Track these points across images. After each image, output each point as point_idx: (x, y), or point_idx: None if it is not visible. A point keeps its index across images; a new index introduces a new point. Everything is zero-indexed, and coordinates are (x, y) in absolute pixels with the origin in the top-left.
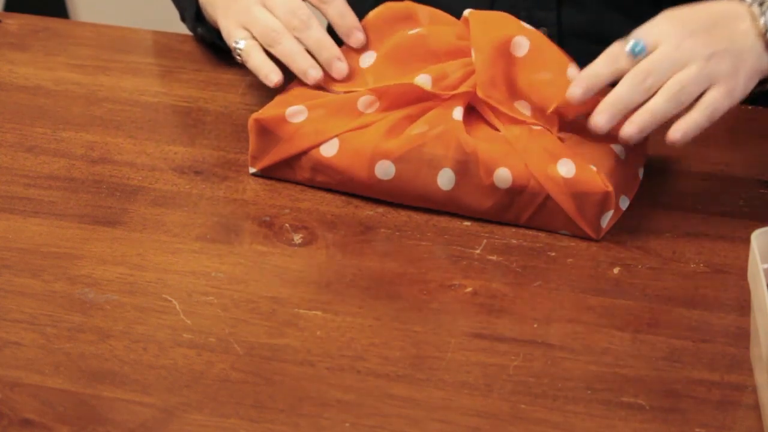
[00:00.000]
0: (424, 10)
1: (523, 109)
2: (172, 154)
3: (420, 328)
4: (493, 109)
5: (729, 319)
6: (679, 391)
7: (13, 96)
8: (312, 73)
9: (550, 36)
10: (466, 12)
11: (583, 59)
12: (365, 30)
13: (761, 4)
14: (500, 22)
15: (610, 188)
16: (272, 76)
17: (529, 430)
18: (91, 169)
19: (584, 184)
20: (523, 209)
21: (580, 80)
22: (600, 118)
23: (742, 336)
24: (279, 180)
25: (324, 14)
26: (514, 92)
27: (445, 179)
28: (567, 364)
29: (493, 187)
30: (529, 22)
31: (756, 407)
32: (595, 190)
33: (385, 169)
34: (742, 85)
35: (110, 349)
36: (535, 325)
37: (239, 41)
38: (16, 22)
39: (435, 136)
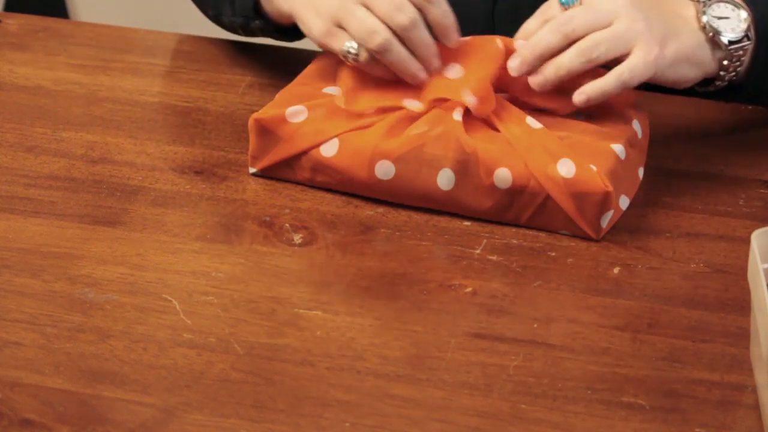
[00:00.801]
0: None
1: (534, 125)
2: (172, 154)
3: (420, 328)
4: (494, 110)
5: (729, 319)
6: (679, 391)
7: (13, 96)
8: (422, 75)
9: None
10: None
11: None
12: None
13: (704, 3)
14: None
15: (611, 188)
16: (420, 74)
17: (529, 430)
18: (91, 169)
19: (584, 184)
20: (523, 209)
21: (518, 52)
22: (513, 62)
23: (742, 336)
24: (279, 180)
25: (426, 13)
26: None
27: (445, 179)
28: (567, 364)
29: (493, 187)
30: None
31: (756, 407)
32: (596, 190)
33: (385, 169)
34: (669, 61)
35: (110, 349)
36: (535, 325)
37: (349, 43)
38: (16, 22)
39: (435, 136)
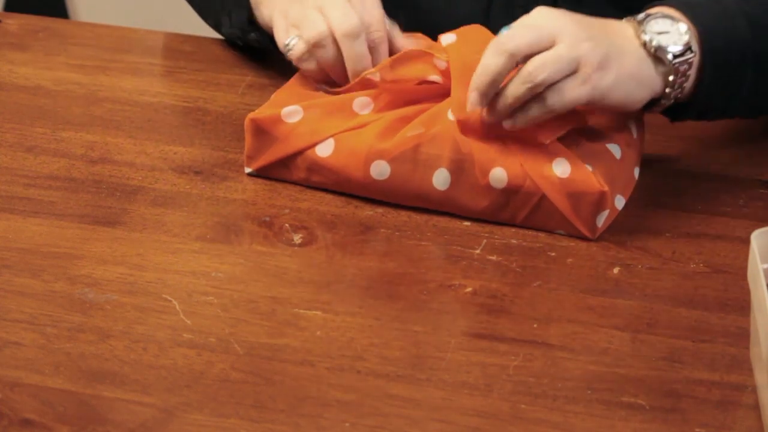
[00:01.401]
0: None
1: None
2: (172, 154)
3: (420, 328)
4: None
5: (729, 319)
6: (679, 391)
7: (13, 96)
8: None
9: None
10: (444, 39)
11: None
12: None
13: (642, 20)
14: (474, 38)
15: (606, 188)
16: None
17: (529, 430)
18: (91, 169)
19: (580, 183)
20: (518, 209)
21: (472, 87)
22: (471, 96)
23: (742, 336)
24: (279, 180)
25: (367, 34)
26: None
27: (441, 179)
28: (567, 364)
29: (489, 187)
30: None
31: (756, 407)
32: (591, 189)
33: (380, 170)
34: (611, 81)
35: (110, 349)
36: (535, 325)
37: (291, 39)
38: (16, 22)
39: (430, 136)
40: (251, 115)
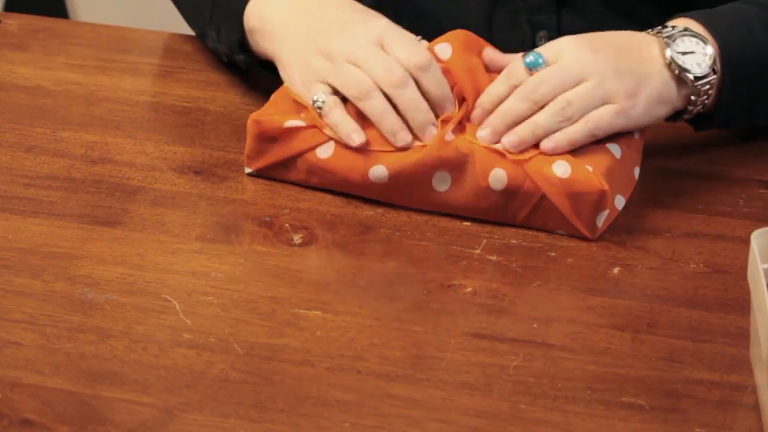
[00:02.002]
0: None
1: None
2: (172, 154)
3: (420, 328)
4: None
5: (729, 319)
6: (679, 391)
7: (13, 96)
8: (402, 135)
9: (550, 40)
10: (438, 51)
11: None
12: None
13: (669, 36)
14: (474, 63)
15: (606, 187)
16: (354, 135)
17: (529, 430)
18: (91, 169)
19: (580, 183)
20: (518, 209)
21: (479, 103)
22: (484, 132)
23: (742, 336)
24: (279, 180)
25: (419, 82)
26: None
27: (441, 181)
28: (567, 364)
29: (489, 189)
30: (529, 26)
31: (756, 407)
32: (591, 189)
33: (379, 173)
34: (642, 108)
35: (110, 349)
36: (535, 325)
37: (320, 95)
38: (16, 22)
39: (429, 148)
40: (254, 115)
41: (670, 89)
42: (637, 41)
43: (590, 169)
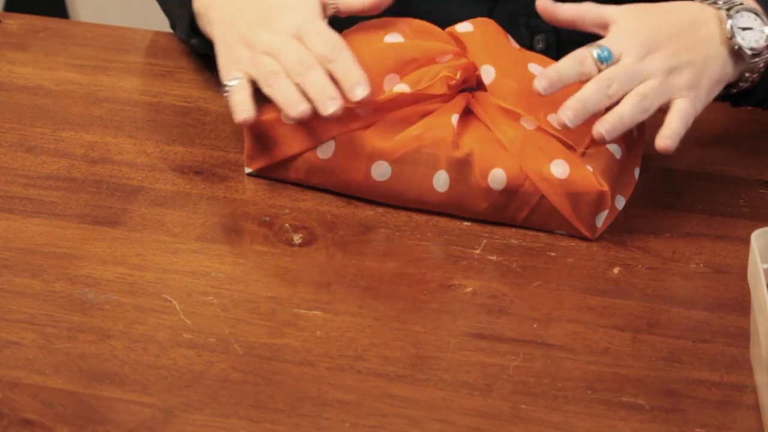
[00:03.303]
0: (407, 23)
1: (555, 123)
2: (172, 154)
3: (420, 328)
4: (489, 111)
5: (729, 319)
6: (679, 391)
7: (13, 96)
8: (299, 106)
9: (548, 43)
10: (459, 28)
11: None
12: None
13: (729, 9)
14: (496, 40)
15: (606, 188)
16: (244, 115)
17: (529, 430)
18: (91, 169)
19: (579, 184)
20: (518, 210)
21: (545, 74)
22: (568, 114)
23: (742, 336)
24: (279, 180)
25: (331, 72)
26: (542, 107)
27: (441, 181)
28: (567, 364)
29: (488, 189)
30: (527, 29)
31: (756, 407)
32: (590, 189)
33: (381, 171)
34: (705, 94)
35: (110, 349)
36: (535, 325)
37: (231, 81)
38: (16, 22)
39: (431, 138)
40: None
41: (727, 67)
42: (694, 19)
43: (590, 169)
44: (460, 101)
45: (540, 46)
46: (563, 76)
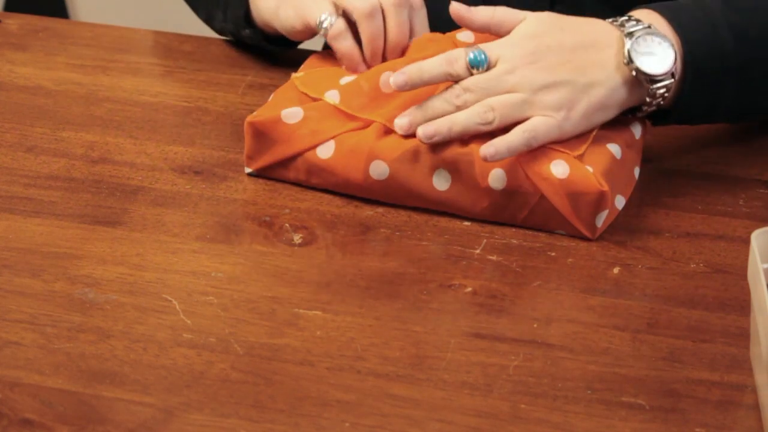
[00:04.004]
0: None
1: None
2: (172, 154)
3: (420, 328)
4: None
5: (729, 319)
6: (679, 391)
7: (13, 96)
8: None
9: None
10: (460, 36)
11: None
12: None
13: (631, 33)
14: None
15: (606, 187)
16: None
17: (529, 430)
18: (91, 169)
19: (579, 184)
20: (518, 209)
21: (406, 70)
22: (402, 121)
23: (742, 336)
24: (279, 180)
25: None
26: None
27: (441, 180)
28: (567, 364)
29: (489, 188)
30: None
31: (756, 407)
32: (590, 189)
33: (380, 170)
34: (579, 117)
35: (110, 349)
36: (535, 325)
37: (325, 16)
38: (16, 22)
39: None
40: (250, 118)
41: (620, 92)
42: (595, 40)
43: (590, 169)
44: None
45: None
46: (426, 75)
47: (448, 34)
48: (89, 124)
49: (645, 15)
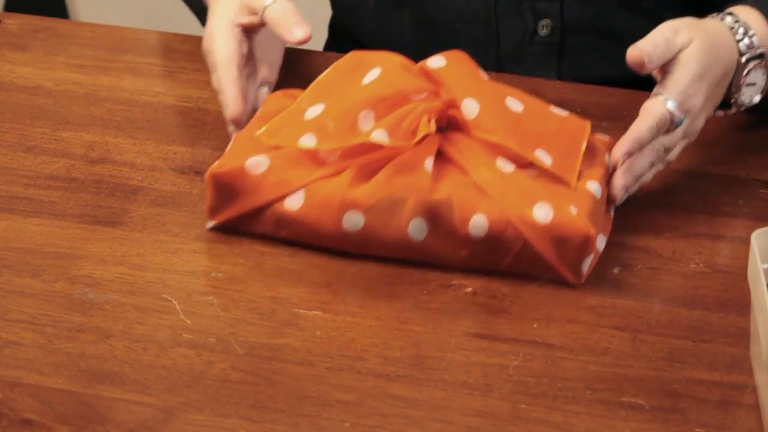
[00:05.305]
0: (383, 58)
1: (544, 159)
2: (172, 154)
3: (420, 328)
4: (464, 151)
5: (729, 319)
6: (679, 391)
7: (13, 96)
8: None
9: (553, 29)
10: (432, 63)
11: (586, 54)
12: (320, 84)
13: (750, 59)
14: (471, 74)
15: (592, 231)
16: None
17: (529, 430)
18: (91, 169)
19: (564, 228)
20: (500, 257)
21: (625, 142)
22: (619, 194)
23: (742, 336)
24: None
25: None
26: (529, 142)
27: (417, 229)
28: (567, 364)
29: (469, 236)
30: (532, 14)
31: (756, 407)
32: (576, 233)
33: (354, 221)
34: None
35: (110, 349)
36: (535, 325)
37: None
38: (16, 22)
39: (405, 183)
40: (212, 169)
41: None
42: (727, 68)
43: (574, 211)
44: (431, 143)
45: (545, 31)
46: (644, 143)
47: (419, 64)
48: (89, 124)
49: (759, 27)
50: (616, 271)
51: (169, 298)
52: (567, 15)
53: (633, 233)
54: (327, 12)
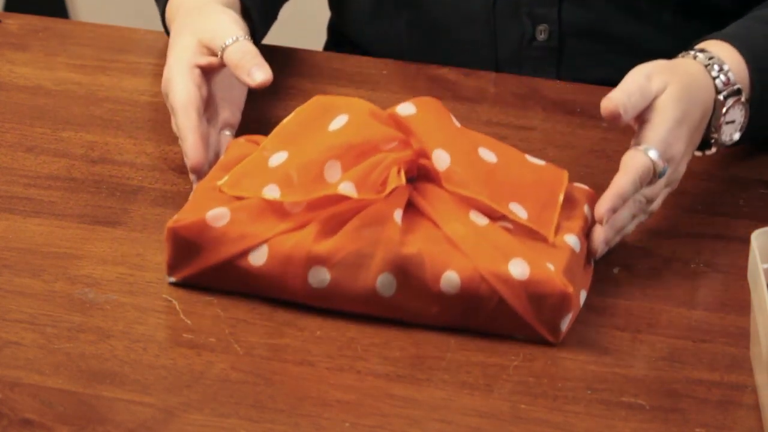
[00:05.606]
0: (352, 105)
1: (519, 212)
2: (172, 154)
3: (420, 328)
4: (435, 204)
5: (729, 319)
6: (679, 391)
7: (13, 96)
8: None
9: (550, 33)
10: (402, 111)
11: (584, 59)
12: (284, 129)
13: (727, 96)
14: (442, 122)
15: (570, 289)
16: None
17: (529, 430)
18: (91, 169)
19: (541, 285)
20: (473, 315)
21: (608, 199)
22: (600, 248)
23: (742, 336)
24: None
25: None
26: (503, 195)
27: (386, 284)
28: (567, 364)
29: (441, 293)
30: (530, 19)
31: (756, 407)
32: (554, 291)
33: (319, 277)
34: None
35: (110, 349)
36: None
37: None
38: (16, 22)
39: (373, 237)
40: (170, 223)
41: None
42: (705, 109)
43: (551, 267)
44: (401, 194)
45: (542, 36)
46: (626, 198)
47: (388, 111)
48: (89, 124)
49: (735, 66)
50: (616, 271)
51: (169, 298)
52: (565, 20)
53: (633, 233)
54: (326, 13)
